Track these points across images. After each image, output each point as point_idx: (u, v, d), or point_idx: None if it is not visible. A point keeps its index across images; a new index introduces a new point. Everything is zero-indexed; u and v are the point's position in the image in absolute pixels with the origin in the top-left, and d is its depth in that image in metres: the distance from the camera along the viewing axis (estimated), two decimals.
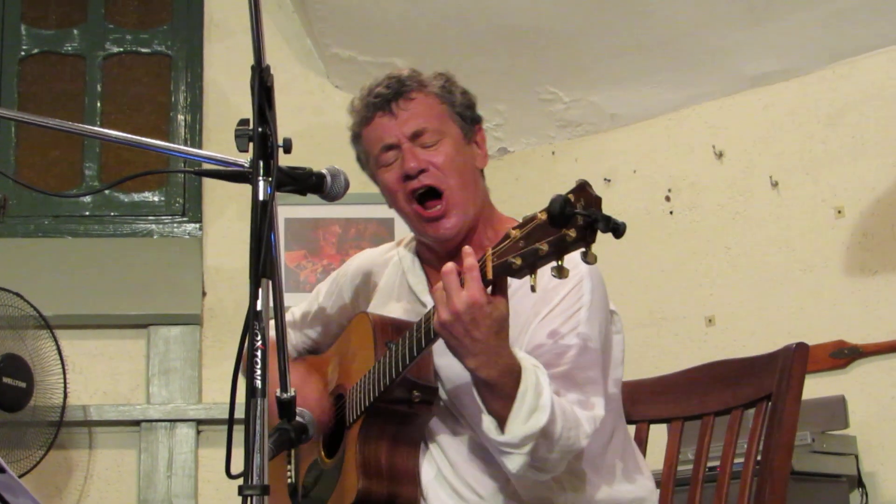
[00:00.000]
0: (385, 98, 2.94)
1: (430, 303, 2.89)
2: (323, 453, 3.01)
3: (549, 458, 2.58)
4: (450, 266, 2.47)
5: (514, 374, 2.53)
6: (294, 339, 3.33)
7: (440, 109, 2.96)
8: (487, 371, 2.51)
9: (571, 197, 2.20)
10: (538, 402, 2.53)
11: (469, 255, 2.46)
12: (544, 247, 2.26)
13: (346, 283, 3.23)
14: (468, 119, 3.00)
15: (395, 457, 2.84)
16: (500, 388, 2.53)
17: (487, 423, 2.57)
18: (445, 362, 2.77)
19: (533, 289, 2.34)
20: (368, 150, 2.99)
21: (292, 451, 3.08)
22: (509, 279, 2.44)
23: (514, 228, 2.34)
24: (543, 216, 2.26)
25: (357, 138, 3.02)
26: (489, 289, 2.44)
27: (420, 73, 3.00)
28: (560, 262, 2.25)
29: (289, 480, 3.06)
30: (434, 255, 3.02)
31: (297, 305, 3.37)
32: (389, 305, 3.07)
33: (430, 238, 2.97)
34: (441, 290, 2.47)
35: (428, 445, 2.90)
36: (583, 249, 2.22)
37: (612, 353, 2.92)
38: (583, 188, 2.21)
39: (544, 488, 2.76)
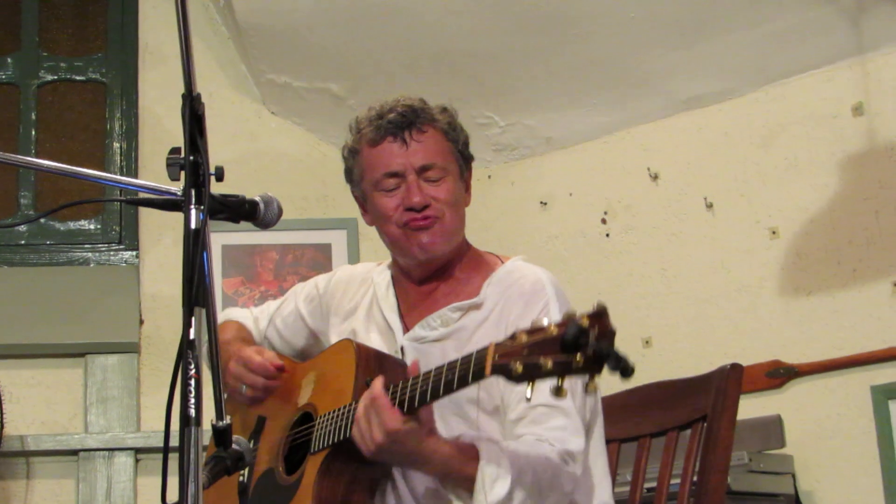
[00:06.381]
0: (398, 125, 2.99)
1: (395, 322, 3.05)
2: (282, 468, 3.02)
3: None
4: (363, 405, 2.65)
5: (465, 456, 2.67)
6: (262, 325, 3.40)
7: (446, 146, 3.04)
8: (435, 470, 2.70)
9: (586, 322, 2.18)
10: (498, 472, 2.62)
11: (377, 385, 2.63)
12: (548, 364, 2.23)
13: (326, 292, 3.30)
14: (465, 158, 3.09)
15: (352, 494, 2.87)
16: (455, 475, 2.68)
17: None
18: None
19: (528, 399, 2.31)
20: (367, 170, 3.05)
21: None
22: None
23: (522, 331, 2.33)
24: (555, 331, 2.24)
25: (355, 153, 3.08)
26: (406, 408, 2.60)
27: (429, 106, 3.06)
28: (560, 383, 2.22)
29: (241, 478, 3.07)
30: (407, 279, 3.11)
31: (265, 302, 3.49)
32: (360, 323, 3.15)
33: (412, 257, 3.03)
34: (359, 424, 2.65)
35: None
36: (586, 377, 2.21)
37: None
38: (601, 315, 2.19)
39: None
